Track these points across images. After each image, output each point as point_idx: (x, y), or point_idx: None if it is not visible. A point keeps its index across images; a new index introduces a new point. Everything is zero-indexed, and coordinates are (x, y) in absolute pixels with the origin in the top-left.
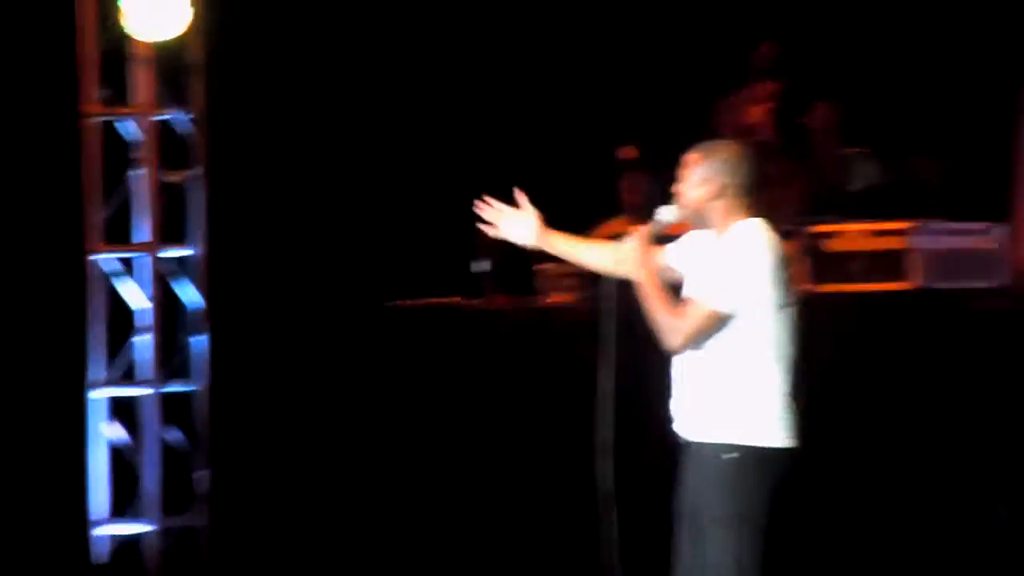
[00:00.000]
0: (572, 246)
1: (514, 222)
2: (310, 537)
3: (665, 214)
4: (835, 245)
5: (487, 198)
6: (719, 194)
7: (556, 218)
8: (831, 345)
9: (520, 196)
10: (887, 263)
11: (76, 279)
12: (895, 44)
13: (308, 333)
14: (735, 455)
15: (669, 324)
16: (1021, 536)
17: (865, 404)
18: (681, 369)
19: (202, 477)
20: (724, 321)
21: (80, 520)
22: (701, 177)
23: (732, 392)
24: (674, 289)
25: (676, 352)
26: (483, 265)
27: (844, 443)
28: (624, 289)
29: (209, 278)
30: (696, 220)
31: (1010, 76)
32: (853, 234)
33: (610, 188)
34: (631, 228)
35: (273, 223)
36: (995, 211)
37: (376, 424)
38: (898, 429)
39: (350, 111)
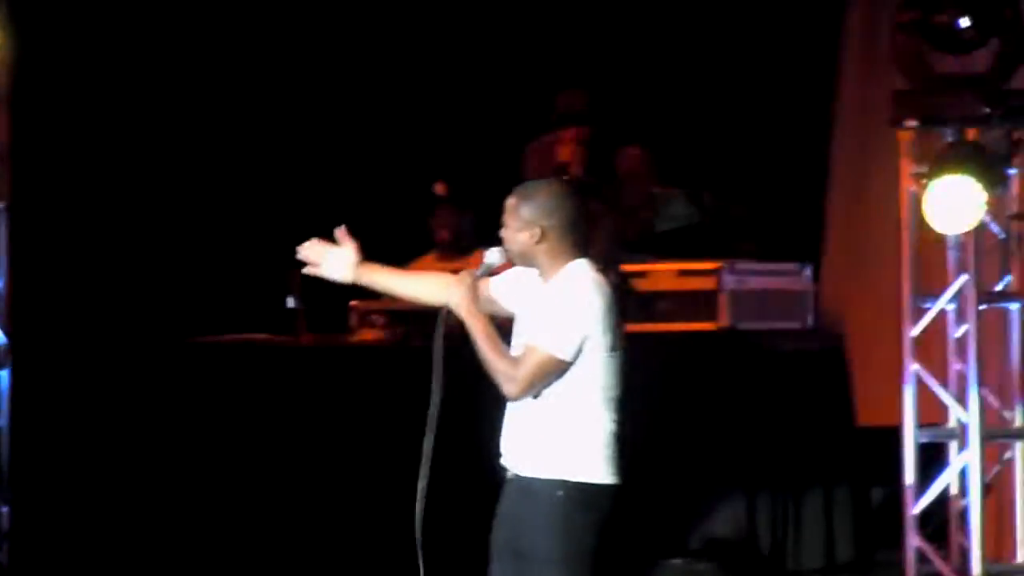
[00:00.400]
0: (391, 279)
1: (332, 259)
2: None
3: (492, 256)
4: (644, 284)
5: (305, 242)
6: (542, 237)
7: (368, 252)
8: (640, 385)
9: (340, 233)
10: (696, 303)
11: None
12: (704, 86)
13: (112, 369)
14: (563, 492)
15: (506, 372)
16: None
17: (673, 441)
18: (511, 404)
19: (3, 515)
20: (562, 367)
21: None
22: (522, 221)
23: (562, 430)
24: (497, 324)
25: (514, 399)
26: (294, 302)
27: (656, 478)
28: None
29: (12, 313)
30: (523, 262)
31: (819, 119)
32: (662, 273)
33: (421, 224)
34: (443, 265)
35: (80, 258)
36: (805, 251)
37: (179, 461)
38: (701, 463)
39: (160, 144)
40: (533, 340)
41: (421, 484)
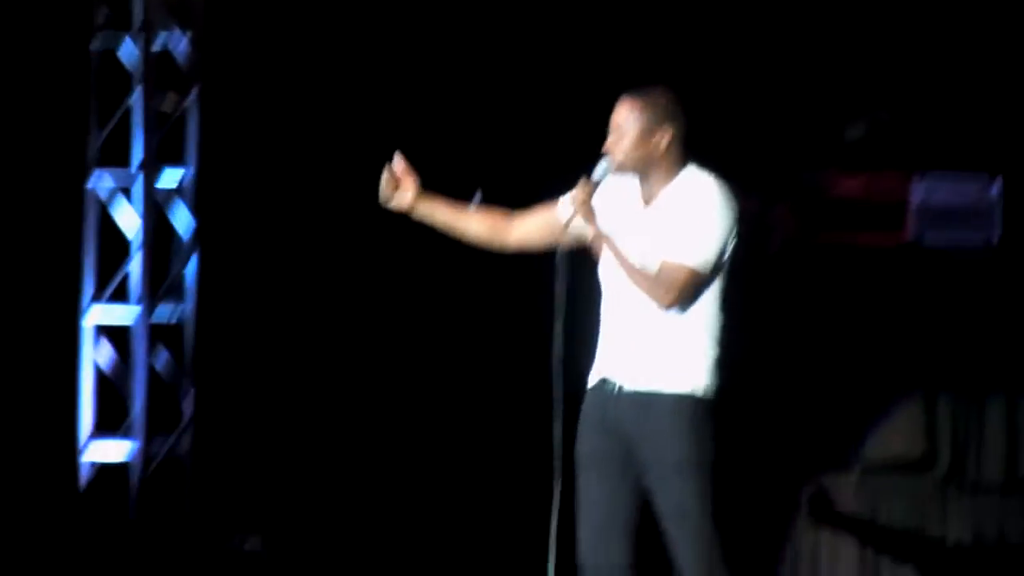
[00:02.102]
0: (453, 214)
1: (394, 185)
2: (292, 464)
3: (601, 169)
4: (830, 195)
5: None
6: (671, 141)
7: None
8: (823, 297)
9: (399, 160)
10: (882, 215)
11: (72, 203)
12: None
13: (298, 258)
14: (691, 404)
15: (651, 289)
16: None
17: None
18: (623, 317)
19: (188, 402)
20: (705, 277)
21: (69, 445)
22: (647, 125)
23: (687, 342)
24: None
25: (661, 317)
26: None
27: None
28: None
29: (201, 202)
30: (640, 170)
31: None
32: (847, 184)
33: None
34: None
35: (272, 144)
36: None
37: (368, 354)
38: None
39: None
40: (673, 254)
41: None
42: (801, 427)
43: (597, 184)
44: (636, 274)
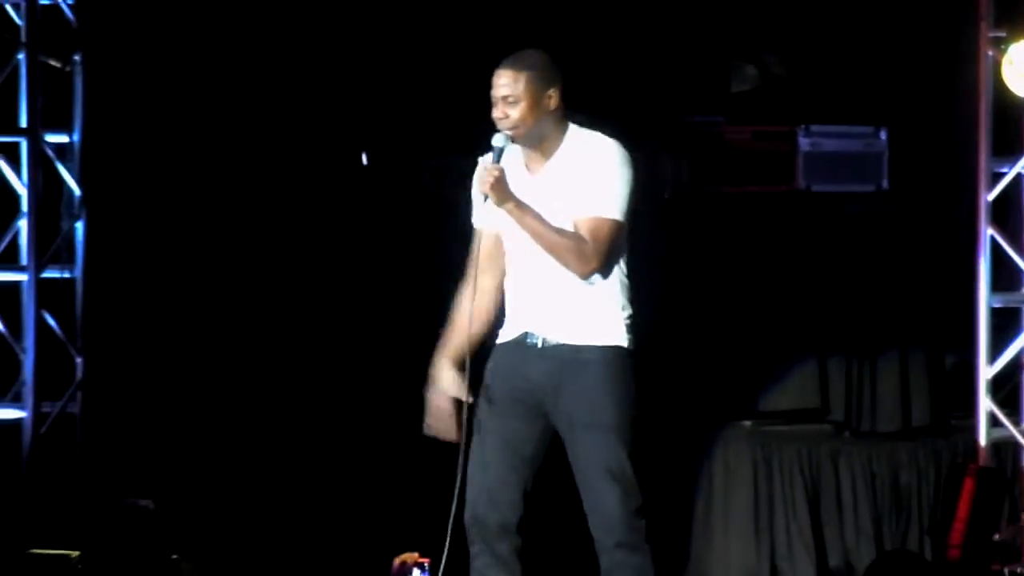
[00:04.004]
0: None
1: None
2: (181, 423)
3: (500, 140)
4: (719, 146)
5: None
6: (558, 101)
7: None
8: (713, 246)
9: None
10: (771, 165)
11: None
12: None
13: (186, 226)
14: (617, 358)
15: (577, 249)
16: None
17: (746, 303)
18: (541, 276)
19: (78, 364)
20: (624, 231)
21: None
22: (534, 89)
23: (607, 296)
24: None
25: (589, 275)
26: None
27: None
28: None
29: (85, 165)
30: (532, 135)
31: None
32: (736, 135)
33: None
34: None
35: (157, 112)
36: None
37: (255, 315)
38: (775, 326)
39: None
40: (592, 210)
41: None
42: (694, 376)
43: (499, 159)
44: (555, 239)
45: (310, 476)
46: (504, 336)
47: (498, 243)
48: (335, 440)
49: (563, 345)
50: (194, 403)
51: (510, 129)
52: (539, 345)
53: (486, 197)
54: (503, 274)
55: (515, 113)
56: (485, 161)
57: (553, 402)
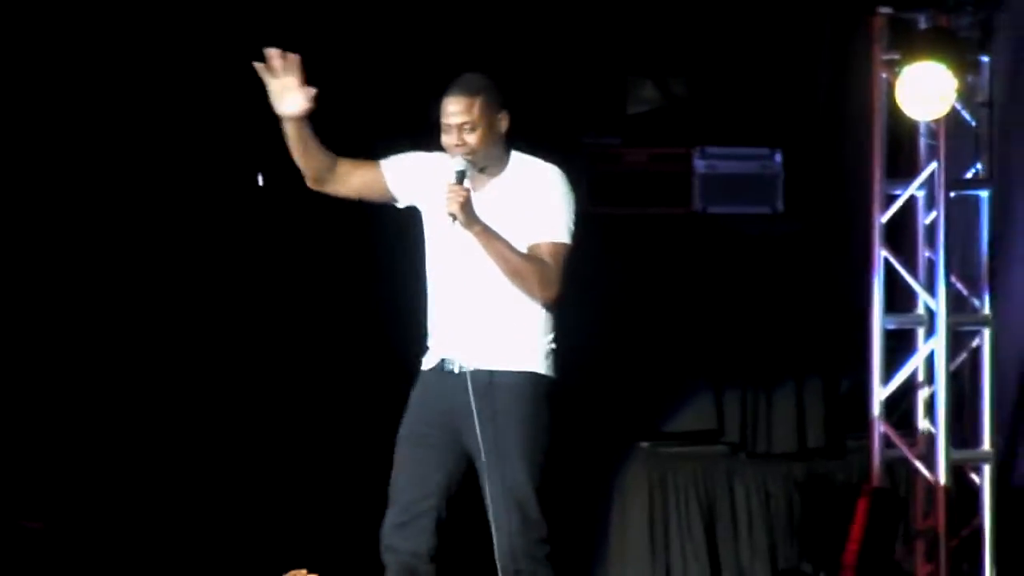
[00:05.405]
0: (314, 143)
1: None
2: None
3: (460, 163)
4: (615, 168)
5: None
6: (508, 123)
7: None
8: (609, 269)
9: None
10: (667, 187)
11: None
12: None
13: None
14: (533, 385)
15: (541, 274)
16: None
17: (641, 326)
18: (463, 299)
19: None
20: (570, 254)
21: None
22: (489, 113)
23: (532, 322)
24: None
25: (551, 300)
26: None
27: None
28: None
29: None
30: (489, 157)
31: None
32: (633, 157)
33: None
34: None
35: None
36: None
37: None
38: (670, 349)
39: None
40: (547, 234)
41: None
42: (590, 398)
43: (462, 181)
44: (521, 265)
45: (215, 493)
46: (426, 363)
47: (371, 184)
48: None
49: (480, 371)
50: (85, 419)
51: (468, 155)
52: (455, 371)
53: (454, 218)
54: (335, 176)
55: (472, 139)
56: (450, 182)
57: (467, 427)
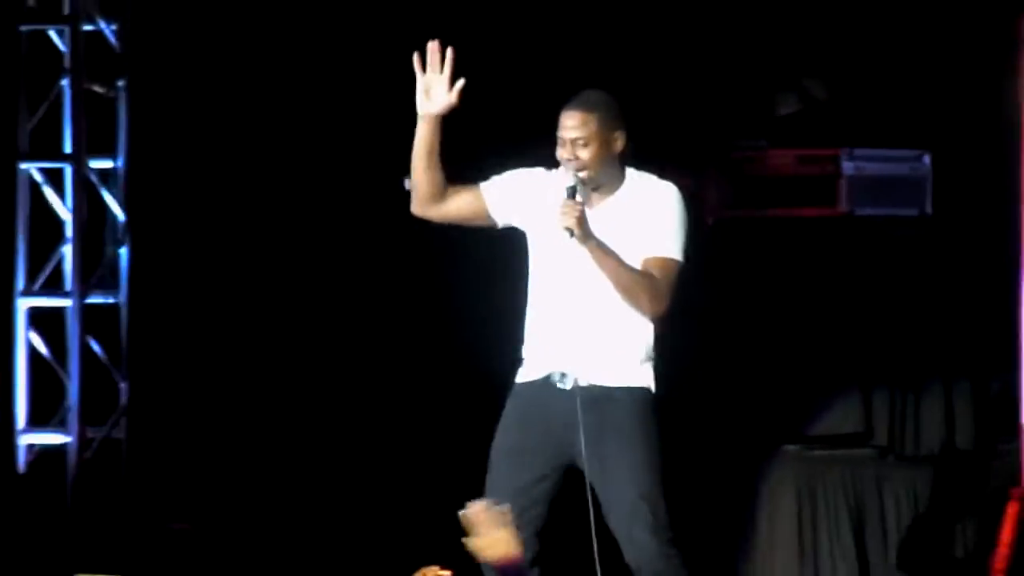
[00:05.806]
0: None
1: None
2: (225, 449)
3: (571, 179)
4: (762, 170)
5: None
6: (621, 145)
7: None
8: (758, 271)
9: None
10: (814, 188)
11: (5, 189)
12: None
13: (231, 241)
14: (644, 400)
15: (651, 289)
16: None
17: (790, 328)
18: (574, 313)
19: (123, 389)
20: (682, 273)
21: (6, 430)
22: (605, 130)
23: (643, 338)
24: None
25: (659, 315)
26: None
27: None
28: None
29: (132, 190)
30: (601, 175)
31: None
32: (780, 158)
33: None
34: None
35: (200, 136)
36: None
37: (300, 340)
38: (818, 351)
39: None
40: (659, 250)
41: None
42: (738, 402)
43: (573, 196)
44: (633, 279)
45: (350, 501)
46: (525, 376)
47: (470, 206)
48: (379, 464)
49: (594, 386)
50: (239, 427)
51: (579, 170)
52: (568, 387)
53: (571, 233)
54: (444, 197)
55: (585, 155)
56: (562, 198)
57: (577, 440)
